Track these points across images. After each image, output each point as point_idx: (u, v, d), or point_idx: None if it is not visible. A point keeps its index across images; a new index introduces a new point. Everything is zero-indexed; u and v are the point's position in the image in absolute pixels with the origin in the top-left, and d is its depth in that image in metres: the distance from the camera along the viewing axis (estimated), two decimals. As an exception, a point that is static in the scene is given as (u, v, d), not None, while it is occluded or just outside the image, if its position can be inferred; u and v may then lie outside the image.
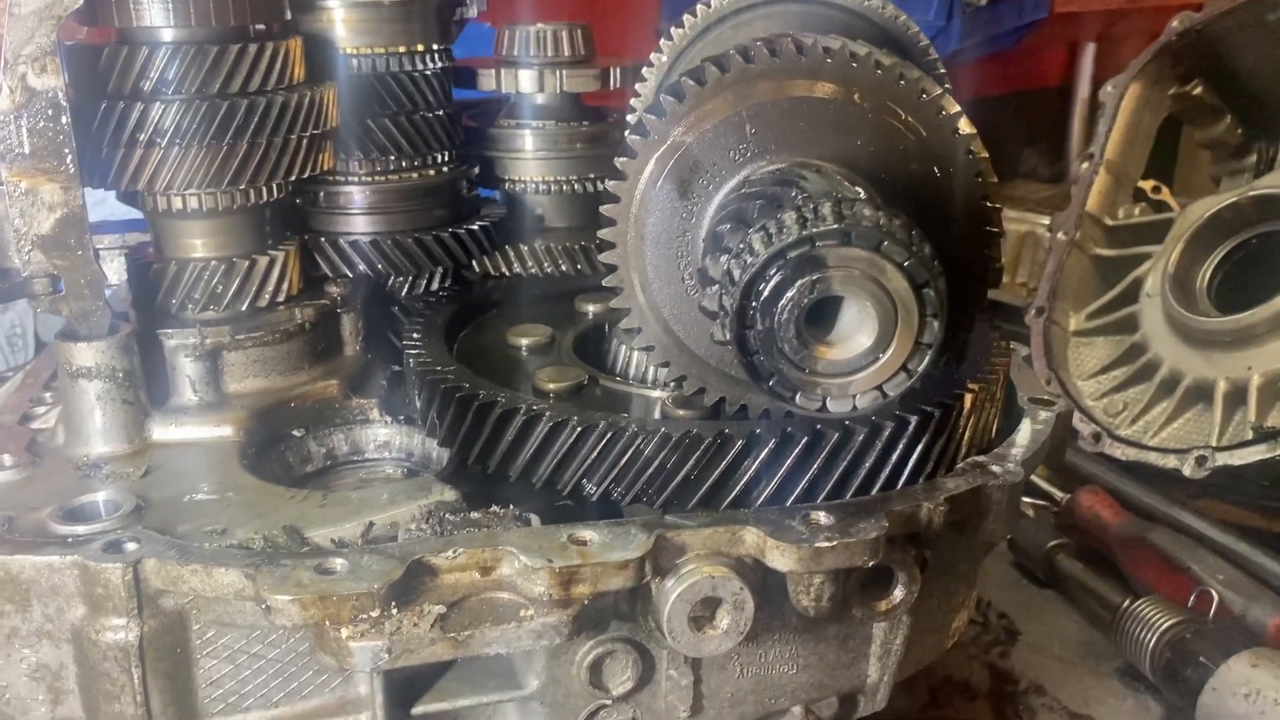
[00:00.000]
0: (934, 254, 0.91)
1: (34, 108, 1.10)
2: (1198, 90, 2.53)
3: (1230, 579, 1.73)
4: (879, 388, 0.95)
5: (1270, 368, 1.94)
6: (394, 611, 0.94)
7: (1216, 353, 2.05)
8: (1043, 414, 1.28)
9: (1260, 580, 1.74)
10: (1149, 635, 1.64)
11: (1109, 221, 2.45)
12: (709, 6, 1.34)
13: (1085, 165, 2.51)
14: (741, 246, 0.93)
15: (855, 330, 0.94)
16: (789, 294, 0.91)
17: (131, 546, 0.99)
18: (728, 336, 0.96)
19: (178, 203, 1.24)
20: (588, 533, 1.00)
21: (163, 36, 1.20)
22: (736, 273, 0.93)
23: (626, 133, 1.39)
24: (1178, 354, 2.13)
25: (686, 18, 1.35)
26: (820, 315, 0.95)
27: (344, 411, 1.34)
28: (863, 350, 0.94)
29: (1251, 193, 2.14)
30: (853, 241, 0.89)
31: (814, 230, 0.90)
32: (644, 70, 1.37)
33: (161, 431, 1.22)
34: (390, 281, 1.48)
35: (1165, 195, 2.70)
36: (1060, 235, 2.42)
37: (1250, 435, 1.89)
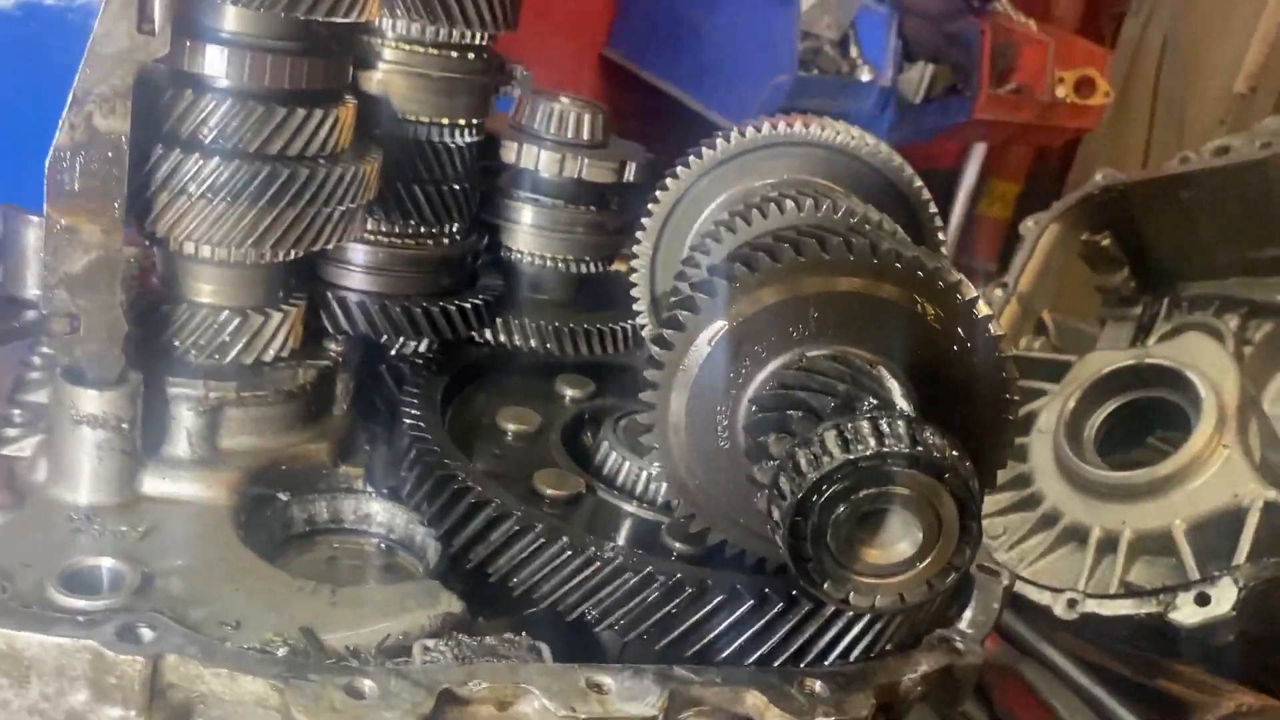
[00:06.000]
0: (982, 487, 0.99)
1: (93, 148, 1.05)
2: (1106, 241, 2.74)
3: (1087, 723, 1.90)
4: (901, 594, 1.02)
5: (1142, 526, 2.14)
6: (420, 746, 0.95)
7: (1095, 500, 2.24)
8: (993, 586, 1.39)
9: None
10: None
11: (1012, 350, 2.62)
12: (714, 149, 1.39)
13: (999, 293, 2.68)
14: (814, 441, 0.98)
15: (897, 539, 1.01)
16: (852, 500, 0.97)
17: (147, 634, 0.96)
18: (776, 517, 1.02)
19: (205, 251, 1.19)
20: (605, 679, 1.04)
21: (223, 86, 1.16)
22: (804, 464, 0.98)
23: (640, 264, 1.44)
24: (1060, 493, 2.30)
25: (693, 159, 1.40)
26: (866, 517, 1.01)
27: (330, 478, 1.33)
28: (901, 559, 1.01)
29: (1148, 360, 2.34)
30: (921, 467, 0.96)
31: (889, 449, 0.96)
32: (650, 205, 1.40)
33: (153, 485, 1.18)
34: (382, 341, 1.47)
35: (1045, 315, 2.92)
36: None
37: (1116, 588, 2.07)
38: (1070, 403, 2.39)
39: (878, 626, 1.18)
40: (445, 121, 1.41)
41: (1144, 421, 2.37)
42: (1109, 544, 2.17)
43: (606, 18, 3.55)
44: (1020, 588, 2.20)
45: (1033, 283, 2.68)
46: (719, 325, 1.12)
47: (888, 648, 1.21)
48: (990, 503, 2.43)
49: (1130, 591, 2.06)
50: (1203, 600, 1.94)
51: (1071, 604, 2.09)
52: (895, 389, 1.09)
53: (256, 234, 1.17)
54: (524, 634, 1.10)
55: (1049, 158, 6.10)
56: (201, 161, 1.13)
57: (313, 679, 0.96)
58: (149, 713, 0.95)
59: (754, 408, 1.12)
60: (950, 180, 5.79)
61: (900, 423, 0.98)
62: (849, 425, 0.98)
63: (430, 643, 1.06)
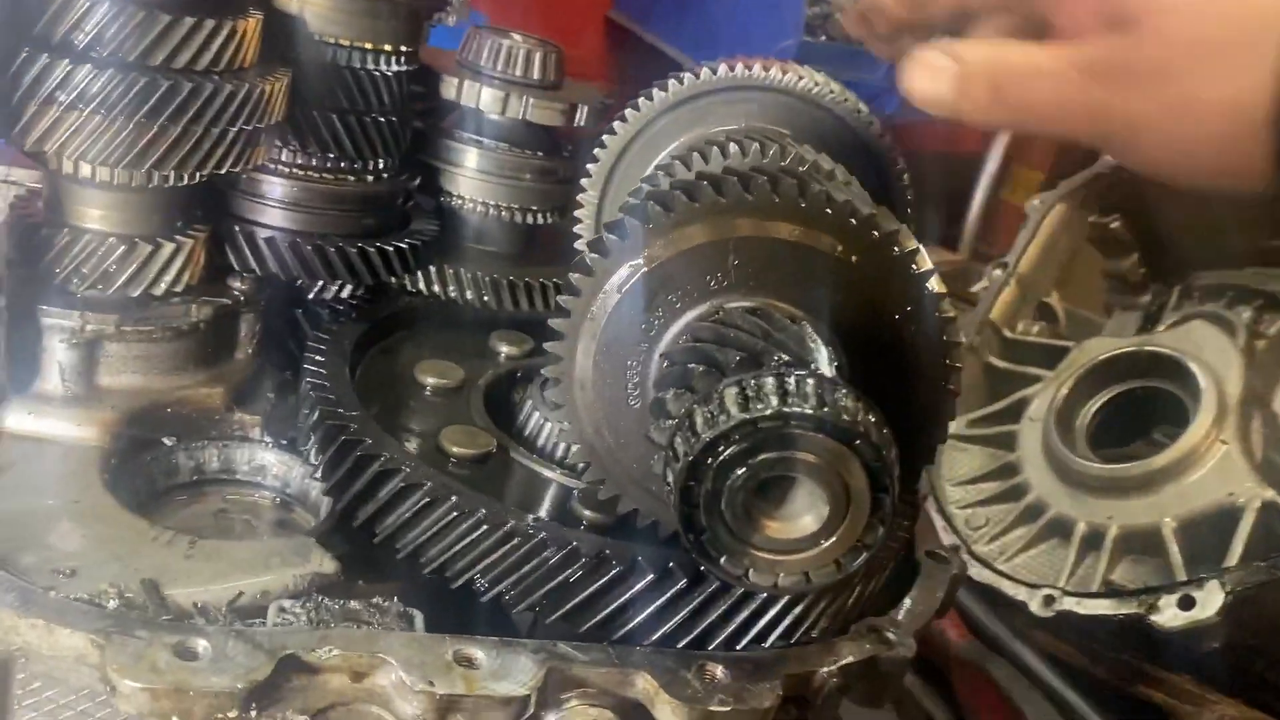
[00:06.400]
0: (897, 458, 0.88)
1: (-59, 43, 0.96)
2: (1115, 224, 2.59)
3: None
4: (806, 573, 0.92)
5: (1129, 523, 2.01)
6: (252, 715, 0.86)
7: (1083, 494, 2.11)
8: (940, 574, 1.28)
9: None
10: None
11: (1008, 333, 2.50)
12: (666, 91, 1.29)
13: (998, 273, 2.55)
14: (714, 398, 0.88)
15: (801, 512, 0.90)
16: (749, 465, 0.87)
17: (-38, 579, 0.87)
18: (670, 480, 0.91)
19: (85, 170, 1.10)
20: (476, 650, 0.94)
21: (106, -12, 1.06)
22: (699, 424, 0.88)
23: (584, 213, 1.34)
24: (1047, 484, 2.18)
25: (643, 101, 1.29)
26: (768, 486, 0.90)
27: (223, 424, 1.23)
28: (804, 535, 0.90)
29: (1147, 346, 2.20)
30: (828, 430, 0.85)
31: (793, 409, 0.85)
32: (596, 150, 1.31)
33: (16, 420, 1.09)
34: (298, 283, 1.37)
35: (1055, 300, 2.79)
36: (960, 337, 2.45)
37: (1097, 586, 1.95)
38: (1063, 390, 2.26)
39: (796, 611, 1.08)
40: (369, 46, 1.30)
41: (1141, 414, 2.23)
42: (1094, 540, 2.05)
43: (613, -21, 3.44)
44: (996, 581, 2.08)
45: (1034, 264, 2.54)
46: (629, 270, 1.01)
47: (812, 635, 1.10)
48: (974, 492, 2.31)
49: (1111, 591, 1.93)
50: (1186, 604, 1.82)
51: (1048, 601, 1.97)
52: (817, 349, 0.98)
53: (134, 152, 1.08)
54: (395, 599, 1.00)
55: (1076, 145, 5.89)
56: (71, 68, 1.03)
57: (139, 635, 0.86)
58: (-42, 664, 0.86)
59: (665, 363, 1.01)
60: (972, 166, 5.63)
61: (809, 381, 0.87)
62: (751, 382, 0.87)
63: (287, 603, 0.96)
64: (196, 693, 0.83)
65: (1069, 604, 1.97)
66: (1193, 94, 0.91)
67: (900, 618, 1.18)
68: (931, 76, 1.03)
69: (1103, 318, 2.86)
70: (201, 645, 0.87)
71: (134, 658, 0.84)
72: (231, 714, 0.84)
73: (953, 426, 2.48)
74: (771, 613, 1.07)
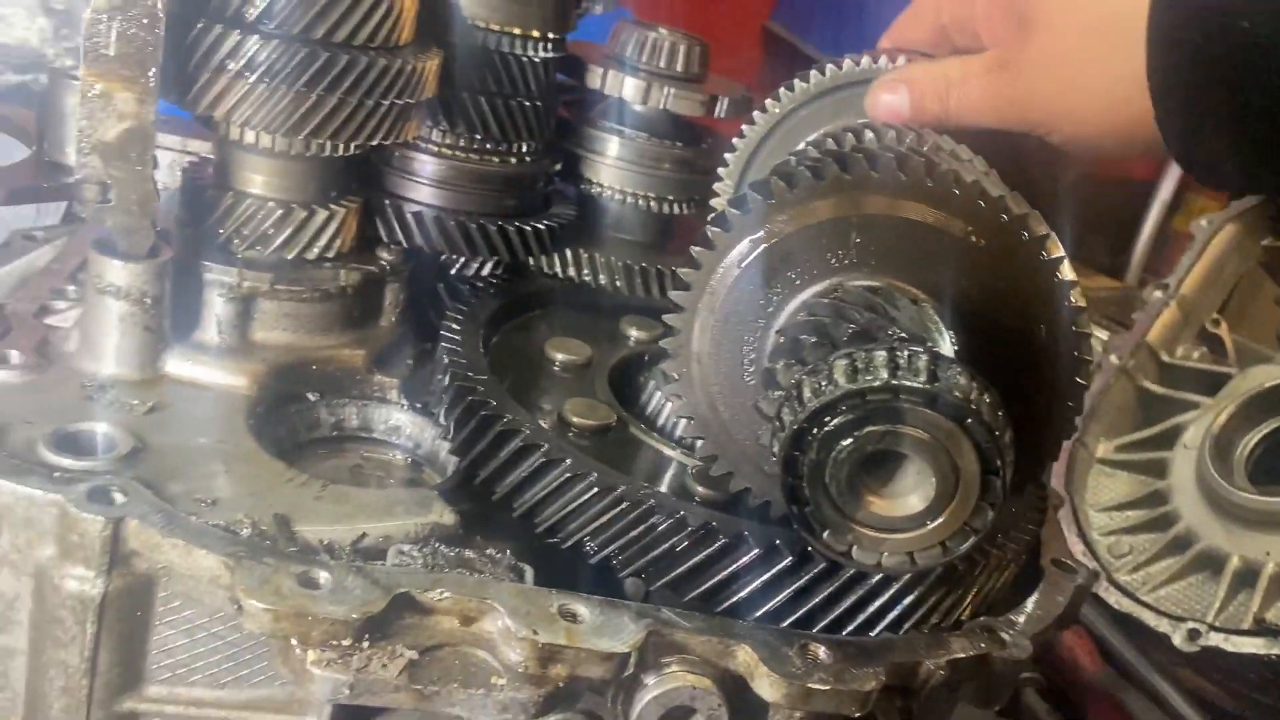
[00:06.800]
0: (1013, 441, 0.86)
1: (130, 12, 1.04)
2: (1290, 249, 2.45)
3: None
4: (911, 554, 0.90)
5: (1289, 560, 1.89)
6: (365, 645, 0.90)
7: (1238, 527, 2.00)
8: (1064, 582, 1.23)
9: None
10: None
11: (1165, 357, 2.39)
12: (807, 83, 1.29)
13: (1158, 294, 2.44)
14: (822, 369, 0.88)
15: (908, 490, 0.89)
16: (855, 436, 0.86)
17: (119, 499, 0.95)
18: (776, 451, 0.92)
19: (250, 137, 1.18)
20: (580, 607, 0.96)
21: (278, -33, 1.14)
22: (808, 394, 0.88)
23: (720, 202, 1.36)
24: (1199, 515, 2.07)
25: (784, 92, 1.30)
26: (874, 462, 0.90)
27: (363, 384, 1.30)
28: (910, 514, 0.89)
29: (1318, 376, 2.07)
30: (938, 407, 0.84)
31: (902, 382, 0.84)
32: (735, 140, 1.32)
33: (176, 366, 1.17)
34: (443, 258, 1.43)
35: (1223, 331, 2.64)
36: (1113, 358, 2.36)
37: (1249, 624, 1.84)
38: (1222, 418, 2.14)
39: (906, 601, 1.06)
40: (518, 31, 1.35)
41: (1307, 448, 2.10)
42: (1248, 576, 1.93)
43: (772, -11, 3.45)
44: (1138, 611, 1.99)
45: (1198, 286, 2.42)
46: (750, 245, 1.02)
47: (921, 629, 1.08)
48: (1119, 519, 2.21)
49: (1264, 629, 1.82)
50: (1346, 649, 1.70)
51: (1193, 635, 1.87)
52: (938, 330, 0.96)
53: (294, 119, 1.15)
54: (508, 553, 1.03)
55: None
56: (241, 38, 1.11)
57: (267, 562, 0.92)
58: (109, 576, 0.93)
59: (780, 338, 1.02)
60: (1145, 191, 5.39)
61: (922, 355, 0.86)
62: (862, 354, 0.87)
63: (406, 547, 1.00)
64: (315, 618, 0.88)
65: (1216, 640, 1.87)
66: (1081, 71, 1.09)
67: (1018, 619, 1.14)
68: (890, 93, 1.19)
69: (1274, 349, 2.70)
70: (323, 576, 0.92)
71: (260, 581, 0.90)
72: (345, 641, 0.89)
73: (1100, 449, 2.41)
74: (880, 601, 1.06)
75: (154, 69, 1.06)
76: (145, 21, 1.05)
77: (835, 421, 0.86)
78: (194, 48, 1.12)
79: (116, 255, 1.12)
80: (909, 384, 0.84)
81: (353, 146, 1.21)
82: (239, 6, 1.13)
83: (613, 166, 1.56)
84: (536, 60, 1.39)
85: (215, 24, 1.12)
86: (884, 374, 0.85)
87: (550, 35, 1.39)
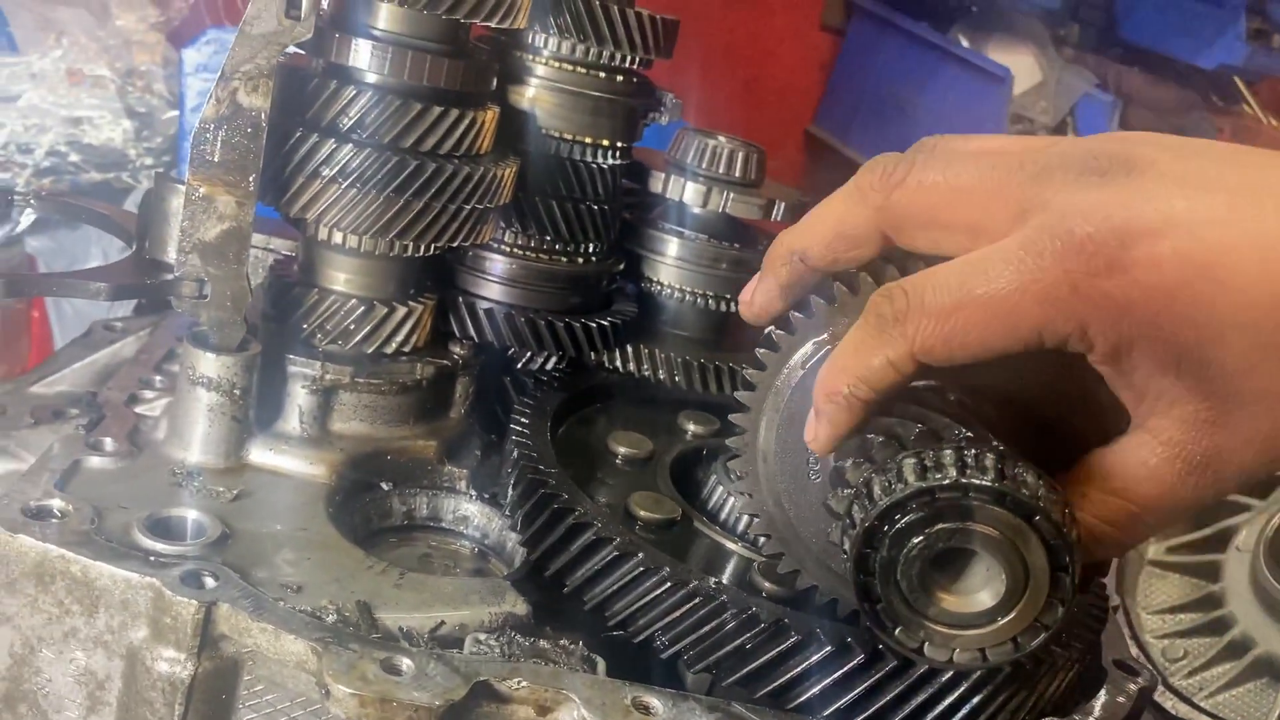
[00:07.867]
0: (1080, 539, 0.88)
1: (235, 123, 1.12)
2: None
3: None
4: (983, 651, 0.92)
5: (1348, 666, 1.87)
6: (445, 732, 0.92)
7: (1296, 632, 1.98)
8: (1127, 684, 1.23)
9: None
10: None
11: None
12: None
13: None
14: (891, 466, 0.91)
15: (978, 587, 0.91)
16: (925, 534, 0.89)
17: (210, 583, 0.98)
18: (846, 548, 0.94)
19: (337, 237, 1.24)
20: (654, 699, 0.98)
21: (369, 80, 1.21)
22: (878, 491, 0.91)
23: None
24: (1255, 619, 2.05)
25: None
26: (944, 560, 0.92)
27: (434, 475, 1.34)
28: (981, 610, 0.91)
29: (1373, 480, 2.07)
30: (1007, 505, 0.87)
31: (971, 480, 0.87)
32: None
33: (259, 455, 1.22)
34: (509, 352, 1.48)
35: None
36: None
37: (1311, 731, 1.81)
38: (1276, 520, 2.13)
39: (974, 701, 1.07)
40: (588, 140, 1.42)
41: (1364, 552, 2.09)
42: (1307, 682, 1.91)
43: (815, 94, 3.56)
44: (1194, 716, 1.96)
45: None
46: (814, 347, 1.06)
47: (987, 727, 1.09)
48: (1172, 622, 2.19)
49: (1324, 737, 1.79)
50: None
51: (1252, 742, 1.85)
52: (997, 426, 0.99)
53: (381, 222, 1.21)
54: (580, 644, 1.06)
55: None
56: (336, 146, 1.18)
57: (352, 648, 0.95)
58: (199, 659, 0.97)
59: (848, 437, 1.05)
60: None
61: (990, 454, 0.89)
62: (930, 453, 0.90)
63: (483, 636, 1.03)
64: (399, 704, 0.91)
65: (1275, 748, 1.84)
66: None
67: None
68: None
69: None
70: (405, 663, 0.94)
71: (347, 666, 0.93)
72: (427, 728, 0.91)
73: (1151, 551, 2.40)
74: (949, 699, 1.07)
75: (254, 174, 1.13)
76: (249, 130, 1.12)
77: (906, 519, 0.89)
78: (290, 155, 1.19)
79: (209, 348, 1.17)
80: (978, 482, 0.87)
81: (433, 248, 1.27)
82: (334, 117, 1.20)
83: (672, 266, 1.62)
84: (605, 167, 1.46)
85: (311, 133, 1.19)
86: (953, 472, 0.88)
87: (619, 144, 1.46)
